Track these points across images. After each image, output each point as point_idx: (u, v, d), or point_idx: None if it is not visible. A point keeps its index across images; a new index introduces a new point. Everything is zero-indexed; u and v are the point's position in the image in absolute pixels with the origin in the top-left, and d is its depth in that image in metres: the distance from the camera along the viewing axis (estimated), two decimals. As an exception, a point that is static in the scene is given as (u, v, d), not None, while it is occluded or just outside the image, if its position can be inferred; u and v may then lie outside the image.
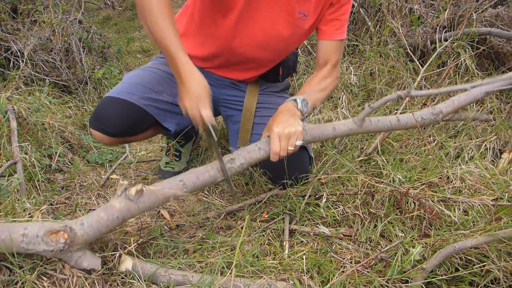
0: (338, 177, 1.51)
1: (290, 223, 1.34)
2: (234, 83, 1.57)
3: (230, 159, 1.16)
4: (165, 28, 1.13)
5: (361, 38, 2.65)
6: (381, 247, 1.23)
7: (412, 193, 1.34)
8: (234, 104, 1.59)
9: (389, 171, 1.50)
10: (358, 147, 1.82)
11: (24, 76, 2.44)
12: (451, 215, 1.28)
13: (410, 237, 1.22)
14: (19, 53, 2.50)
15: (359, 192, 1.39)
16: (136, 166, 1.92)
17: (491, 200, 1.32)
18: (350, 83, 2.36)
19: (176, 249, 1.22)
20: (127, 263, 1.04)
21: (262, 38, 1.38)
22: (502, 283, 1.10)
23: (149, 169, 1.89)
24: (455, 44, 2.37)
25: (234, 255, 1.16)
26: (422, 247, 1.11)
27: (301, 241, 1.28)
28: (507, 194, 1.34)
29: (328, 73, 1.44)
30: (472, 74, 2.31)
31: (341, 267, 1.16)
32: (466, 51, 2.37)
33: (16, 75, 2.38)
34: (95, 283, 1.00)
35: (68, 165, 1.81)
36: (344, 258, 1.20)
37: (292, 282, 1.07)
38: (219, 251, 1.22)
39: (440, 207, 1.30)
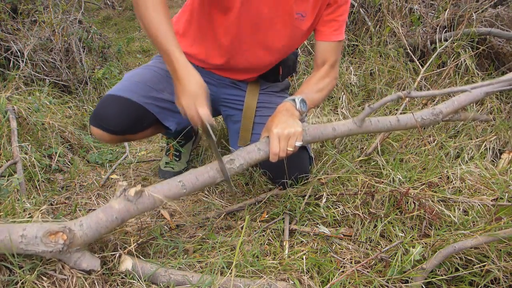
0: (338, 177, 1.51)
1: (290, 223, 1.34)
2: (234, 83, 1.57)
3: (230, 159, 1.16)
4: (161, 27, 1.13)
5: (361, 38, 2.65)
6: (381, 247, 1.23)
7: (412, 193, 1.34)
8: (234, 104, 1.59)
9: (389, 171, 1.50)
10: (358, 147, 1.82)
11: (24, 76, 2.44)
12: (451, 215, 1.28)
13: (410, 237, 1.22)
14: (19, 53, 2.50)
15: (359, 192, 1.39)
16: (136, 166, 1.92)
17: (491, 200, 1.32)
18: (350, 83, 2.36)
19: (176, 249, 1.22)
20: (127, 263, 1.04)
21: (260, 38, 1.38)
22: (502, 283, 1.10)
23: (149, 169, 1.89)
24: (455, 44, 2.37)
25: (234, 255, 1.16)
26: (422, 247, 1.11)
27: (301, 241, 1.28)
28: (507, 194, 1.33)
29: (326, 73, 1.44)
30: (472, 74, 2.31)
31: (341, 267, 1.16)
32: (466, 51, 2.37)
33: (16, 75, 2.38)
34: (95, 283, 1.00)
35: (68, 165, 1.81)
36: (344, 258, 1.20)
37: (292, 282, 1.07)
38: (219, 251, 1.22)
39: (440, 207, 1.30)
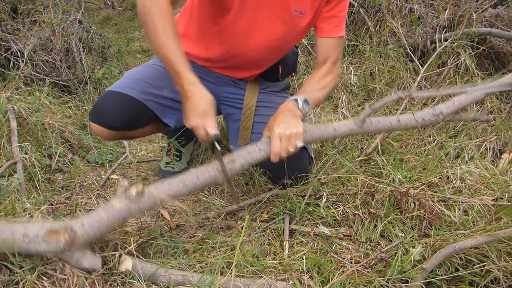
0: (338, 177, 1.51)
1: (290, 223, 1.34)
2: (234, 81, 1.57)
3: (231, 160, 1.16)
4: (168, 45, 1.14)
5: (361, 38, 2.65)
6: (381, 247, 1.23)
7: (412, 193, 1.34)
8: (234, 102, 1.59)
9: (389, 171, 1.50)
10: (358, 147, 1.82)
11: (24, 76, 2.44)
12: (451, 215, 1.28)
13: (410, 237, 1.22)
14: (19, 53, 2.50)
15: (359, 192, 1.39)
16: (136, 166, 1.92)
17: (491, 200, 1.32)
18: (350, 83, 2.36)
19: (176, 249, 1.22)
20: (127, 263, 1.04)
21: (260, 36, 1.39)
22: (502, 283, 1.10)
23: (149, 169, 1.89)
24: (455, 44, 2.37)
25: (234, 255, 1.16)
26: (422, 247, 1.11)
27: (301, 241, 1.28)
28: (507, 194, 1.33)
29: (329, 71, 1.44)
30: (472, 74, 2.31)
31: (341, 267, 1.16)
32: (466, 51, 2.37)
33: (16, 75, 2.38)
34: (95, 283, 1.00)
35: (68, 165, 1.81)
36: (344, 258, 1.20)
37: (292, 282, 1.07)
38: (219, 251, 1.22)
39: (440, 207, 1.30)
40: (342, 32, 1.43)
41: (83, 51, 2.92)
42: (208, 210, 1.48)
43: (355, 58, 2.58)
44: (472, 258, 1.14)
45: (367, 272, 1.10)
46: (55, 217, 1.28)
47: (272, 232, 1.33)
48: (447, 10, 2.53)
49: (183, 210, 1.48)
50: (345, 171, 1.54)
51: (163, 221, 1.40)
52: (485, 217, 1.27)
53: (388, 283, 1.07)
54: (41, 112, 1.93)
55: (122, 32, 5.17)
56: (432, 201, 1.33)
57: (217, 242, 1.26)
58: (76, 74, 2.76)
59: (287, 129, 1.19)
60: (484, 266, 1.11)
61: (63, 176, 1.71)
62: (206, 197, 1.57)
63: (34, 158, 1.61)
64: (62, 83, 2.64)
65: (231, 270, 1.06)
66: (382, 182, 1.42)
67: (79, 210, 1.43)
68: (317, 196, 1.43)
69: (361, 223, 1.32)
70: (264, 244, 1.28)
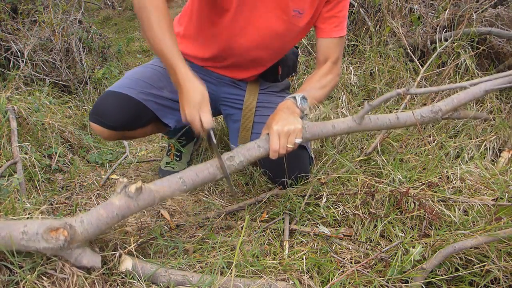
0: (338, 177, 1.51)
1: (290, 223, 1.34)
2: (234, 82, 1.57)
3: (230, 156, 1.16)
4: (164, 40, 1.16)
5: (361, 38, 2.65)
6: (381, 247, 1.23)
7: (412, 193, 1.34)
8: (234, 103, 1.59)
9: (389, 171, 1.50)
10: (358, 146, 1.82)
11: (24, 76, 2.45)
12: (451, 215, 1.28)
13: (410, 237, 1.22)
14: (19, 53, 2.50)
15: (359, 192, 1.39)
16: (136, 166, 1.92)
17: (491, 200, 1.31)
18: (350, 83, 2.36)
19: (176, 249, 1.22)
20: (127, 263, 1.04)
21: (258, 37, 1.39)
22: (502, 283, 1.10)
23: (149, 169, 1.89)
24: (455, 44, 2.37)
25: (234, 255, 1.16)
26: (422, 247, 1.11)
27: (301, 241, 1.28)
28: (507, 194, 1.33)
29: (329, 70, 1.44)
30: (472, 74, 2.31)
31: (341, 267, 1.16)
32: (466, 51, 2.37)
33: (16, 75, 2.38)
34: (95, 283, 1.00)
35: (68, 165, 1.81)
36: (344, 258, 1.20)
37: (292, 282, 1.07)
38: (219, 251, 1.22)
39: (440, 207, 1.30)
40: (342, 32, 1.43)
41: (83, 51, 2.92)
42: (208, 210, 1.48)
43: (355, 58, 2.58)
44: (472, 258, 1.14)
45: (367, 272, 1.10)
46: (55, 217, 1.28)
47: (272, 232, 1.33)
48: (447, 10, 2.53)
49: (183, 210, 1.48)
50: (345, 171, 1.54)
51: (163, 221, 1.40)
52: (485, 217, 1.27)
53: (388, 283, 1.07)
54: (41, 112, 1.93)
55: (122, 32, 5.17)
56: (432, 201, 1.33)
57: (217, 242, 1.26)
58: (76, 74, 2.76)
59: (285, 126, 1.19)
60: (484, 266, 1.11)
61: (63, 176, 1.71)
62: (206, 197, 1.57)
63: (34, 158, 1.61)
64: (62, 83, 2.64)
65: (231, 270, 1.06)
66: (382, 182, 1.42)
67: (79, 210, 1.43)
68: (317, 196, 1.43)
69: (361, 223, 1.31)
70: (264, 244, 1.28)
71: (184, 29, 1.52)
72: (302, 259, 1.16)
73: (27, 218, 1.11)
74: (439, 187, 1.42)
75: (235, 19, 1.34)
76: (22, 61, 2.48)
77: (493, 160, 1.83)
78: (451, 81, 2.32)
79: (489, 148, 1.86)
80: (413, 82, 2.31)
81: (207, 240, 1.28)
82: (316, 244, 1.26)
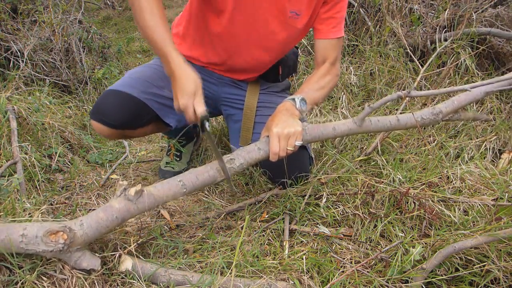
0: (338, 177, 1.51)
1: (290, 223, 1.34)
2: (234, 82, 1.57)
3: (230, 159, 1.16)
4: (157, 29, 1.16)
5: (361, 38, 2.65)
6: (381, 247, 1.23)
7: (412, 193, 1.34)
8: (235, 103, 1.59)
9: (389, 171, 1.50)
10: (358, 147, 1.82)
11: (24, 76, 2.44)
12: (451, 215, 1.28)
13: (410, 237, 1.22)
14: (19, 53, 2.50)
15: (359, 192, 1.39)
16: (136, 166, 1.92)
17: (491, 200, 1.32)
18: (350, 83, 2.36)
19: (176, 249, 1.22)
20: (127, 263, 1.04)
21: (256, 38, 1.39)
22: (502, 283, 1.10)
23: (149, 169, 1.89)
24: (455, 44, 2.37)
25: (234, 255, 1.16)
26: (422, 247, 1.11)
27: (301, 241, 1.28)
28: (507, 194, 1.33)
29: (327, 71, 1.44)
30: (472, 74, 2.31)
31: (341, 267, 1.16)
32: (466, 51, 2.37)
33: (16, 75, 2.38)
34: (95, 283, 1.00)
35: (68, 165, 1.81)
36: (344, 258, 1.20)
37: (292, 282, 1.07)
38: (219, 251, 1.22)
39: (440, 207, 1.30)
40: (340, 33, 1.43)
41: (83, 51, 2.92)
42: (208, 210, 1.48)
43: (355, 58, 2.58)
44: (472, 258, 1.14)
45: (367, 272, 1.10)
46: (55, 217, 1.28)
47: (272, 232, 1.33)
48: (447, 10, 2.53)
49: (183, 210, 1.48)
50: (345, 171, 1.54)
51: (163, 221, 1.40)
52: (485, 217, 1.27)
53: (388, 283, 1.07)
54: (41, 112, 1.93)
55: (122, 32, 5.17)
56: (432, 201, 1.33)
57: (217, 242, 1.26)
58: (76, 74, 2.76)
59: (285, 128, 1.19)
60: (484, 266, 1.11)
61: (63, 176, 1.71)
62: (206, 197, 1.57)
63: (34, 158, 1.61)
64: (62, 83, 2.64)
65: (231, 270, 1.06)
66: (382, 182, 1.42)
67: (79, 210, 1.43)
68: (317, 196, 1.43)
69: (361, 223, 1.31)
70: (264, 244, 1.28)
71: (184, 30, 1.52)
72: (302, 259, 1.16)
73: (27, 218, 1.11)
74: (439, 187, 1.42)
75: (232, 21, 1.34)
76: (22, 61, 2.48)
77: (493, 161, 1.83)
78: (451, 81, 2.32)
79: (489, 148, 1.86)
80: (413, 82, 2.31)
81: (207, 240, 1.28)
82: (316, 244, 1.26)
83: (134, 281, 1.03)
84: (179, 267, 1.13)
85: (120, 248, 1.11)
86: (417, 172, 1.51)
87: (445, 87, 2.30)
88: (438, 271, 1.11)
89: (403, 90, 2.30)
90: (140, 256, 1.14)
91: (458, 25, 2.47)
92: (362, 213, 1.33)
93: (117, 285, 1.03)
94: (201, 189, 1.57)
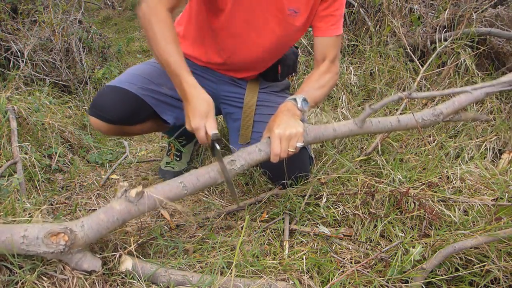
0: (338, 177, 1.51)
1: (290, 223, 1.34)
2: (234, 80, 1.58)
3: (231, 160, 1.16)
4: (169, 52, 1.18)
5: (361, 38, 2.65)
6: (381, 247, 1.23)
7: (412, 193, 1.34)
8: (234, 101, 1.59)
9: (389, 171, 1.50)
10: (358, 147, 1.82)
11: (24, 76, 2.44)
12: (451, 215, 1.28)
13: (410, 237, 1.22)
14: (19, 53, 2.50)
15: (359, 192, 1.39)
16: (136, 166, 1.92)
17: (491, 200, 1.32)
18: (350, 83, 2.36)
19: (176, 249, 1.22)
20: (127, 263, 1.04)
21: (255, 36, 1.39)
22: (502, 283, 1.10)
23: (149, 169, 1.89)
24: (455, 44, 2.37)
25: (234, 255, 1.16)
26: (422, 247, 1.11)
27: (301, 241, 1.28)
28: (507, 194, 1.34)
29: (327, 69, 1.44)
30: (472, 74, 2.31)
31: (341, 267, 1.16)
32: (466, 51, 2.37)
33: (16, 75, 2.38)
34: (95, 283, 1.00)
35: (68, 165, 1.81)
36: (344, 258, 1.20)
37: (292, 282, 1.07)
38: (219, 251, 1.22)
39: (440, 207, 1.30)
40: (339, 30, 1.43)
41: (83, 51, 2.92)
42: (208, 210, 1.48)
43: (355, 58, 2.58)
44: (472, 258, 1.14)
45: (367, 272, 1.10)
46: (55, 217, 1.28)
47: (272, 232, 1.33)
48: (447, 10, 2.53)
49: (183, 211, 1.48)
50: (345, 171, 1.54)
51: (163, 221, 1.40)
52: (485, 217, 1.27)
53: (388, 283, 1.07)
54: (41, 112, 1.93)
55: (122, 32, 5.17)
56: (432, 201, 1.33)
57: (217, 242, 1.26)
58: (76, 74, 2.76)
59: (286, 129, 1.19)
60: (484, 266, 1.11)
61: (63, 176, 1.71)
62: (206, 197, 1.57)
63: (34, 158, 1.61)
64: (62, 83, 2.64)
65: (231, 270, 1.06)
66: (382, 182, 1.42)
67: (79, 210, 1.43)
68: (317, 196, 1.43)
69: (361, 223, 1.32)
70: (264, 244, 1.28)
71: (184, 30, 1.52)
72: (302, 259, 1.16)
73: (27, 218, 1.11)
74: (439, 187, 1.42)
75: (231, 19, 1.34)
76: (22, 61, 2.48)
77: (493, 161, 1.83)
78: (451, 81, 2.32)
79: (489, 148, 1.86)
80: (413, 82, 2.31)
81: (207, 240, 1.28)
82: (316, 244, 1.26)
83: (134, 281, 1.03)
84: (179, 267, 1.13)
85: (120, 248, 1.11)
86: (417, 172, 1.51)
87: (445, 87, 2.30)
88: (438, 271, 1.11)
89: (403, 90, 2.30)
90: (140, 256, 1.14)
91: (458, 25, 2.47)
92: (362, 213, 1.33)
93: (117, 285, 1.03)
94: (202, 190, 1.57)
